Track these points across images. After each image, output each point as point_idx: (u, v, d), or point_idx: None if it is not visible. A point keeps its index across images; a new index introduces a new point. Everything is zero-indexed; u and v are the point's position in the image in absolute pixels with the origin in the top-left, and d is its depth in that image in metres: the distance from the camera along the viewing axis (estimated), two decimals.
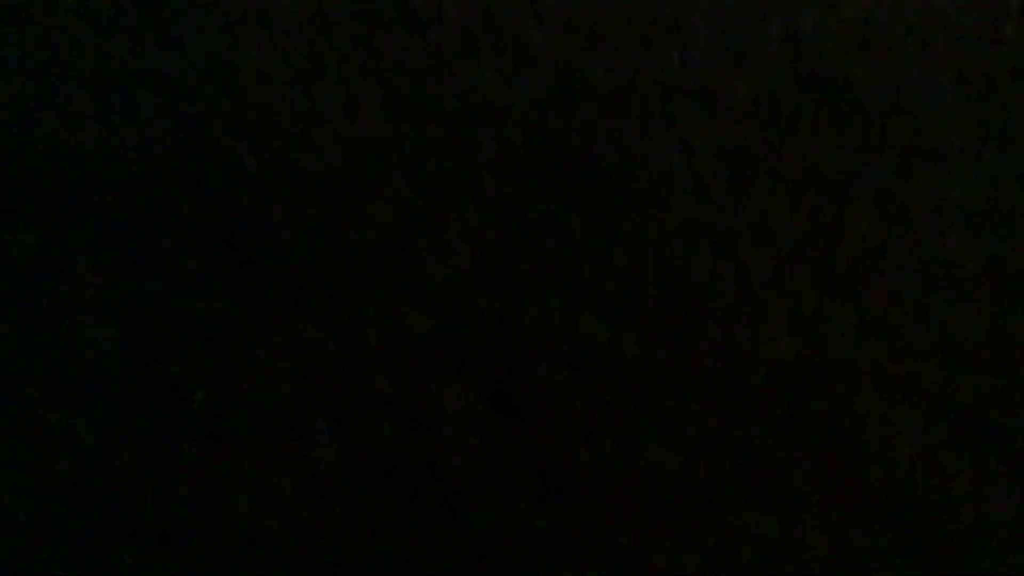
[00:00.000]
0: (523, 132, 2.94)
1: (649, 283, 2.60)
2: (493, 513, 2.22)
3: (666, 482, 2.26)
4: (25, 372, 2.46)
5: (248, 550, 2.17)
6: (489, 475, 2.27)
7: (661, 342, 2.48)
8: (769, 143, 2.91)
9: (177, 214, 2.77)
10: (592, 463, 2.29)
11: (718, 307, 2.55)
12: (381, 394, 2.41)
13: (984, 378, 2.42)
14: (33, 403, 2.39)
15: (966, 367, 2.44)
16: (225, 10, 3.29)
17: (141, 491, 2.25)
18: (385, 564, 2.16)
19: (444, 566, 2.16)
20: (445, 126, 2.97)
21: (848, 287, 2.59)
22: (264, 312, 2.56)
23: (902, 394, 2.39)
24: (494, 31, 3.20)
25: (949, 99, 3.01)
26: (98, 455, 2.30)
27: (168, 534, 2.19)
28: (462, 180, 2.84)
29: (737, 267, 2.63)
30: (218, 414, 2.38)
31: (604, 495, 2.24)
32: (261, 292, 2.60)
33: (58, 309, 2.57)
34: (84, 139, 2.96)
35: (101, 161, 2.91)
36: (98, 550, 2.17)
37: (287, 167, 2.87)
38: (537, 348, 2.48)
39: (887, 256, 2.66)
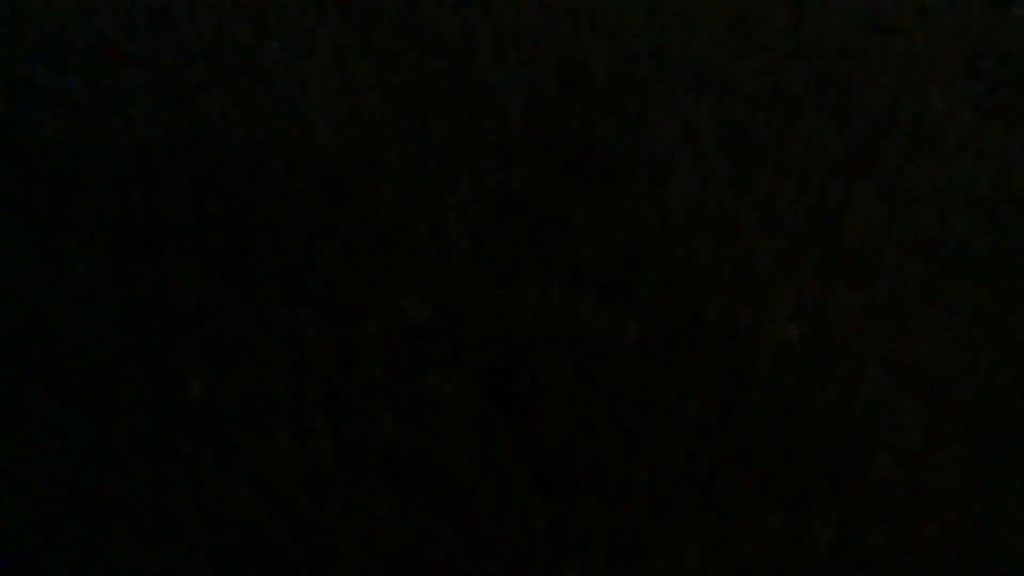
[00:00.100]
0: (522, 115, 2.94)
1: (651, 269, 2.60)
2: (492, 505, 2.21)
3: (668, 473, 2.25)
4: (17, 362, 2.45)
5: (244, 542, 2.17)
6: (488, 466, 2.27)
7: (663, 329, 2.48)
8: (773, 126, 2.90)
9: (170, 201, 2.76)
10: (592, 454, 2.28)
11: (721, 293, 2.55)
12: (378, 384, 2.40)
13: (991, 365, 2.41)
14: (25, 394, 2.39)
15: (973, 354, 2.43)
16: None
17: (135, 483, 2.25)
18: (382, 556, 2.16)
19: (442, 559, 2.15)
20: (443, 109, 2.96)
21: (854, 273, 2.58)
22: (259, 301, 2.56)
23: (908, 382, 2.38)
24: (493, 14, 3.19)
25: (956, 82, 3.00)
26: (91, 447, 2.30)
27: (163, 527, 2.19)
28: (460, 165, 2.83)
29: (740, 252, 2.62)
30: (213, 405, 2.37)
31: (604, 486, 2.24)
32: (256, 281, 2.59)
33: (50, 298, 2.57)
34: (75, 124, 2.95)
35: (93, 147, 2.90)
36: (91, 543, 2.17)
37: (282, 153, 2.87)
38: (537, 337, 2.47)
39: (893, 241, 2.65)
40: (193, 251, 2.66)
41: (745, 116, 2.92)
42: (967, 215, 2.70)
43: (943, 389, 2.37)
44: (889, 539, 2.17)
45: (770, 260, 2.61)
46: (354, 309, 2.53)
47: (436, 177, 2.81)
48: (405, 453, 2.29)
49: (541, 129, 2.91)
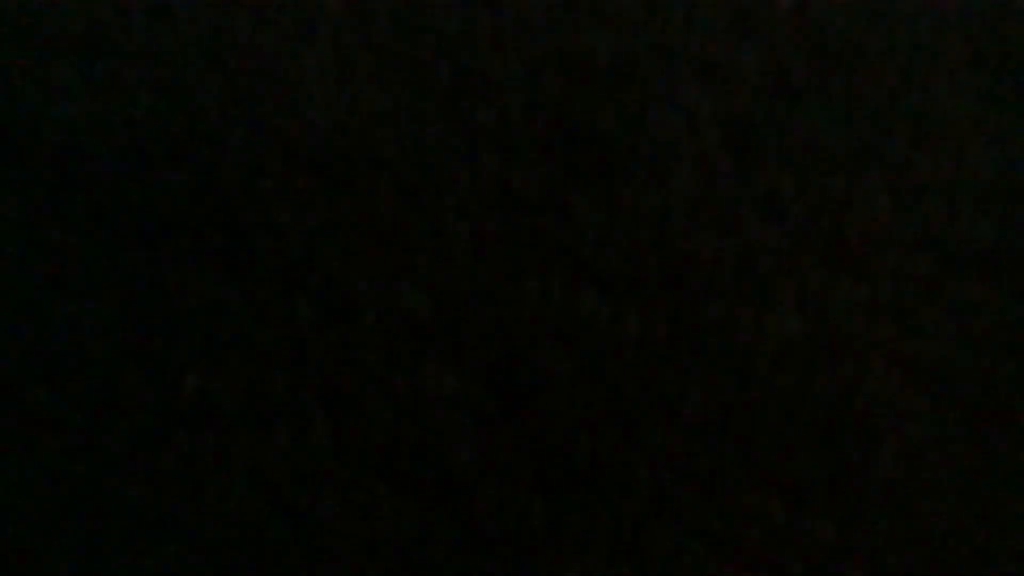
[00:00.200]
0: (522, 104, 2.92)
1: (652, 261, 2.59)
2: (491, 499, 2.21)
3: (669, 467, 2.25)
4: (13, 357, 2.44)
5: (241, 536, 2.17)
6: (487, 460, 2.26)
7: (664, 322, 2.47)
8: (776, 116, 2.89)
9: (166, 190, 2.76)
10: (593, 447, 2.28)
11: (723, 286, 2.54)
12: (376, 377, 2.39)
13: (995, 360, 2.41)
14: (21, 389, 2.38)
15: (977, 348, 2.42)
16: None
17: (131, 477, 2.24)
18: (380, 551, 2.15)
19: (440, 554, 2.15)
20: (442, 99, 2.95)
21: (857, 265, 2.58)
22: (257, 294, 2.55)
23: (912, 375, 2.38)
24: (492, 4, 3.18)
25: (961, 72, 2.99)
26: (85, 440, 2.29)
27: (159, 521, 2.19)
28: (459, 155, 2.82)
29: (743, 244, 2.61)
30: (209, 398, 2.37)
31: (605, 480, 2.24)
32: (253, 271, 2.58)
33: (43, 288, 2.56)
34: (72, 113, 2.94)
35: (90, 136, 2.89)
36: (88, 539, 2.17)
37: (279, 142, 2.86)
38: (536, 329, 2.46)
39: (897, 234, 2.65)
40: (190, 244, 2.65)
41: (747, 108, 2.91)
42: (972, 208, 2.69)
43: (947, 384, 2.37)
44: (891, 535, 2.17)
45: (772, 254, 2.61)
46: (353, 303, 2.53)
47: (435, 169, 2.80)
48: (404, 449, 2.29)
49: (541, 120, 2.90)
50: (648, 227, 2.66)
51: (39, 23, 3.17)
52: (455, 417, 2.33)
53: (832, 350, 2.43)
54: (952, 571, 2.15)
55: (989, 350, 2.43)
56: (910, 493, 2.23)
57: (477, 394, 2.37)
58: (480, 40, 3.08)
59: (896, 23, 3.10)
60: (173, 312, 2.51)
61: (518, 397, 2.36)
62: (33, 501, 2.22)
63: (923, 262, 2.59)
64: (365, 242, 2.65)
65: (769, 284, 2.54)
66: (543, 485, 2.24)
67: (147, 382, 2.39)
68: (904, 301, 2.52)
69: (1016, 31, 3.10)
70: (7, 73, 3.04)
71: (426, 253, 2.62)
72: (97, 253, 2.64)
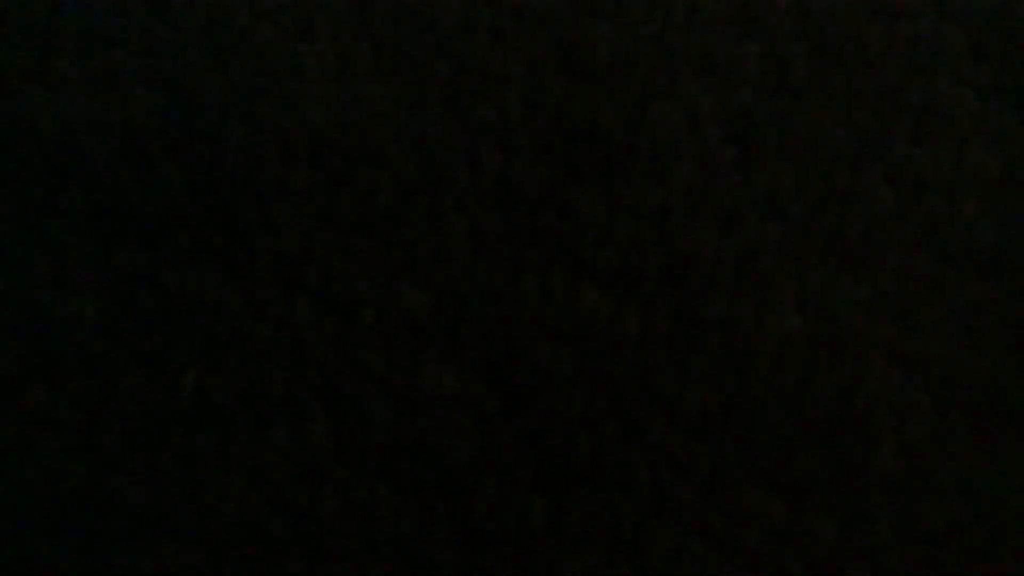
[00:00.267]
0: (522, 101, 2.92)
1: (652, 257, 2.58)
2: (491, 497, 2.21)
3: (669, 464, 2.25)
4: (11, 353, 2.44)
5: (241, 536, 2.17)
6: (487, 457, 2.26)
7: (665, 320, 2.47)
8: (777, 112, 2.88)
9: (164, 185, 2.75)
10: (593, 445, 2.28)
11: (724, 283, 2.54)
12: (375, 374, 2.39)
13: (996, 357, 2.40)
14: (19, 386, 2.38)
15: (978, 346, 2.42)
16: None
17: (128, 475, 2.24)
18: (380, 550, 2.15)
19: (440, 553, 2.15)
20: (442, 95, 2.94)
21: (858, 261, 2.57)
22: (255, 290, 2.54)
23: (912, 373, 2.37)
24: None
25: (962, 68, 2.98)
26: (83, 438, 2.29)
27: (158, 520, 2.19)
28: (459, 151, 2.81)
29: (744, 240, 2.61)
30: (208, 397, 2.36)
31: (605, 478, 2.24)
32: (251, 267, 2.58)
33: (41, 284, 2.55)
34: (70, 109, 2.93)
35: (88, 133, 2.88)
36: (86, 537, 2.16)
37: (278, 138, 2.85)
38: (536, 326, 2.46)
39: (899, 230, 2.64)
40: (189, 241, 2.64)
41: (748, 104, 2.90)
42: (973, 205, 2.69)
43: (947, 382, 2.37)
44: (891, 535, 2.17)
45: (773, 251, 2.60)
46: (352, 301, 2.52)
47: (435, 165, 2.79)
48: (404, 448, 2.28)
49: (541, 117, 2.89)
50: (648, 224, 2.66)
51: (38, 19, 3.16)
52: (455, 416, 2.33)
53: (833, 348, 2.42)
54: (952, 571, 2.14)
55: (990, 348, 2.42)
56: (910, 492, 2.22)
57: (477, 393, 2.36)
58: (480, 36, 3.07)
59: (897, 18, 3.09)
60: (172, 310, 2.50)
61: (518, 396, 2.36)
62: (33, 501, 2.22)
63: (924, 260, 2.58)
64: (364, 239, 2.64)
65: (770, 281, 2.54)
66: (543, 484, 2.24)
67: (146, 381, 2.39)
68: (905, 299, 2.51)
69: (1018, 26, 3.08)
70: (6, 69, 3.04)
71: (426, 251, 2.61)
72: (95, 250, 2.63)
